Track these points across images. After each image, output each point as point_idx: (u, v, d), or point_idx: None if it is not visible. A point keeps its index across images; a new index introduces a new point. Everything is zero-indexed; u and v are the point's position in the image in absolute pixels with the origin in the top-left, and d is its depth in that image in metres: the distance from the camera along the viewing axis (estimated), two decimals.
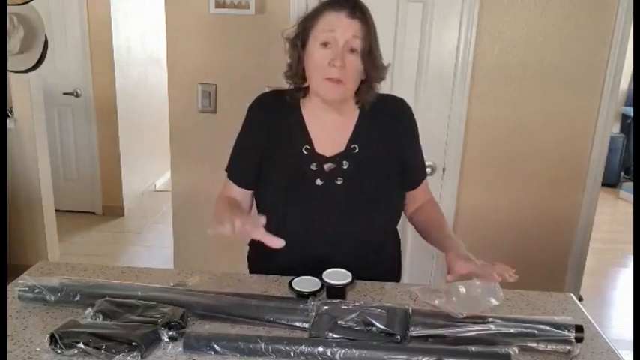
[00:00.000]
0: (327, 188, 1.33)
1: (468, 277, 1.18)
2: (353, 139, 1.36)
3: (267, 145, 1.37)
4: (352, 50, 1.24)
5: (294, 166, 1.35)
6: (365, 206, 1.34)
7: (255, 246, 1.46)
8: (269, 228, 1.34)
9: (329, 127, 1.36)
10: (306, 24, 1.29)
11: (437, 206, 1.49)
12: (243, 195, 1.42)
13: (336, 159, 1.34)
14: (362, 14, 1.25)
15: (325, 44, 1.25)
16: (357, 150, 1.35)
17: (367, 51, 1.25)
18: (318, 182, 1.33)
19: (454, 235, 1.36)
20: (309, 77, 1.31)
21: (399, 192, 1.43)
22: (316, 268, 1.26)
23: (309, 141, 1.35)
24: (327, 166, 1.34)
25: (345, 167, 1.34)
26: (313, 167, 1.34)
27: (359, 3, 1.27)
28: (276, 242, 1.12)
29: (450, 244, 1.29)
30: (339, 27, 1.24)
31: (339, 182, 1.33)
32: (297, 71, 1.33)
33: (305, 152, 1.35)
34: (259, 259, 1.48)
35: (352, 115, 1.37)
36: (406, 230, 2.63)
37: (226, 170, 1.45)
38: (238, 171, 1.43)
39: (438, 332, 1.04)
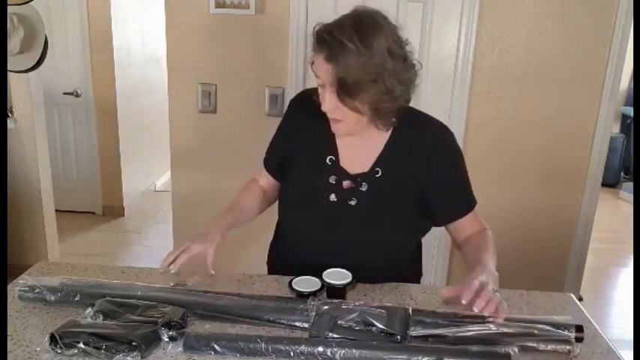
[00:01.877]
0: (339, 206, 1.30)
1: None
2: (378, 162, 1.30)
3: (295, 142, 1.37)
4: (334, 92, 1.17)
5: (313, 174, 1.33)
6: (374, 232, 1.29)
7: (276, 237, 1.51)
8: (285, 224, 1.43)
9: (357, 143, 1.31)
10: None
11: (486, 236, 1.34)
12: (269, 183, 1.47)
13: (357, 179, 1.30)
14: (340, 56, 1.12)
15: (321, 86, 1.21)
16: (379, 174, 1.29)
17: (340, 90, 1.15)
18: (332, 197, 1.30)
19: (489, 260, 1.20)
20: None
21: (420, 222, 1.35)
22: (318, 271, 1.25)
23: (335, 152, 1.32)
24: (345, 183, 1.30)
25: (362, 189, 1.29)
26: (332, 180, 1.30)
27: (336, 44, 1.13)
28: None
29: (477, 268, 1.15)
30: (320, 72, 1.17)
31: (352, 202, 1.29)
32: None
33: (329, 163, 1.31)
34: (276, 250, 1.51)
35: (383, 135, 1.30)
36: None
37: (264, 160, 1.49)
38: (269, 160, 1.47)
39: (438, 332, 1.04)
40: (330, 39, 1.14)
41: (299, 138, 1.37)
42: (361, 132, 1.27)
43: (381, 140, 1.31)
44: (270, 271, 1.48)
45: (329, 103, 1.19)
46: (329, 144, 1.32)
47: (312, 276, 1.24)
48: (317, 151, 1.33)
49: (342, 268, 1.26)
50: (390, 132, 1.30)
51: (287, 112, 1.45)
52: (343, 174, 1.30)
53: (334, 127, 1.26)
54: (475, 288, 1.05)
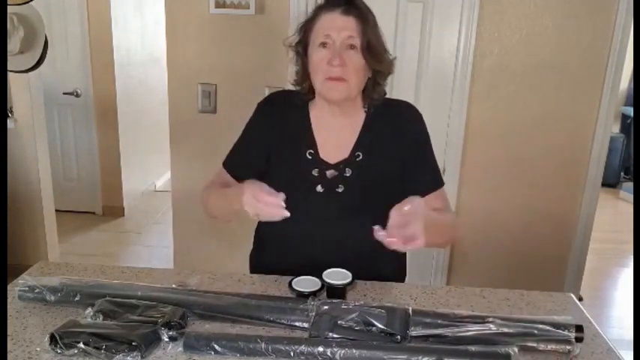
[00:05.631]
0: (327, 195, 1.32)
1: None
2: (357, 147, 1.34)
3: (271, 143, 1.36)
4: (351, 46, 1.24)
5: (296, 170, 1.34)
6: (364, 214, 1.29)
7: (258, 245, 1.50)
8: (269, 226, 1.36)
9: (334, 132, 1.35)
10: (305, 28, 1.31)
11: (447, 211, 1.41)
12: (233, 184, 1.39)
13: (339, 166, 1.32)
14: (356, 10, 1.25)
15: (323, 44, 1.25)
16: (360, 157, 1.33)
17: (366, 46, 1.24)
18: (319, 189, 1.32)
19: (446, 215, 1.36)
20: (312, 80, 1.30)
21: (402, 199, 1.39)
22: (313, 271, 1.25)
23: (313, 145, 1.34)
24: (329, 173, 1.33)
25: (347, 175, 1.32)
26: (315, 173, 1.32)
27: (357, 2, 1.27)
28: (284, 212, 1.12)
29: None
30: (335, 27, 1.24)
31: (339, 190, 1.32)
32: (304, 76, 1.33)
33: (309, 157, 1.33)
34: (258, 258, 1.49)
35: (358, 118, 1.36)
36: None
37: (223, 163, 1.44)
38: (236, 162, 1.42)
39: (438, 332, 1.04)
40: None
41: (277, 138, 1.36)
42: (343, 109, 1.33)
43: (356, 126, 1.35)
44: (256, 270, 1.46)
45: (350, 57, 1.24)
46: (306, 139, 1.35)
47: (312, 276, 1.24)
48: (296, 147, 1.35)
49: (336, 264, 1.26)
50: (363, 117, 1.36)
51: (257, 116, 1.42)
52: (325, 165, 1.33)
53: (332, 87, 1.26)
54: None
